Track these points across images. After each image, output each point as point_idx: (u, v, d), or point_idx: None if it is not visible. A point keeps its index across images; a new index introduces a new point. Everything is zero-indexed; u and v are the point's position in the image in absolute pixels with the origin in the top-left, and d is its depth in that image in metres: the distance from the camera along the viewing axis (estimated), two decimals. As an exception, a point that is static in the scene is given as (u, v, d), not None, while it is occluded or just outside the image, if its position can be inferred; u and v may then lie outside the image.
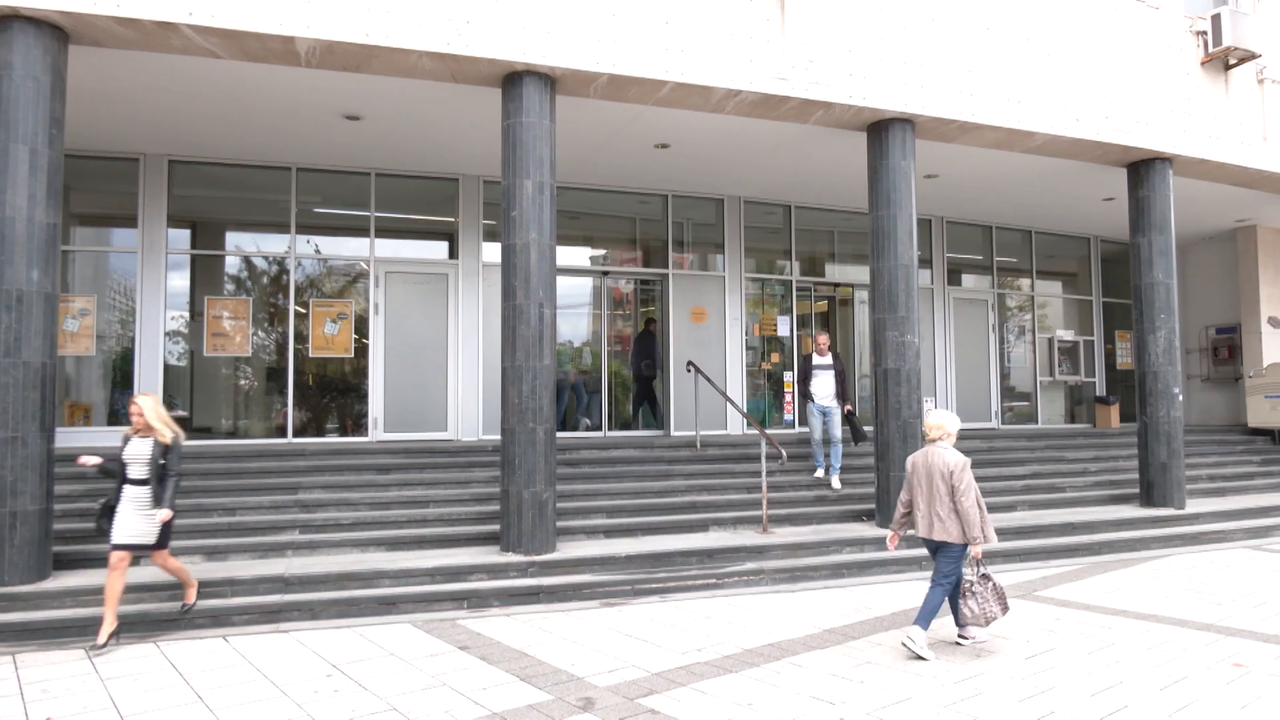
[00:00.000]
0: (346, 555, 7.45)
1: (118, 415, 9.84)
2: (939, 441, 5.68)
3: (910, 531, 5.90)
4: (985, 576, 5.51)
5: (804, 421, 10.84)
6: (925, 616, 5.44)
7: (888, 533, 8.59)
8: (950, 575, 5.51)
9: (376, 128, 9.20)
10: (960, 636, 5.66)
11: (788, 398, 12.63)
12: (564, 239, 10.16)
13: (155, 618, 6.11)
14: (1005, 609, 5.52)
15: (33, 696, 4.74)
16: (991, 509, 9.27)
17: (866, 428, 10.17)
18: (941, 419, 5.73)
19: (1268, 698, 4.63)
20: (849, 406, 10.32)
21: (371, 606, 6.56)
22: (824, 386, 10.15)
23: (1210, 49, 10.61)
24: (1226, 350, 15.33)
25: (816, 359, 10.29)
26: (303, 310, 10.55)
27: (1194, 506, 10.44)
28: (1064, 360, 14.95)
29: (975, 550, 5.44)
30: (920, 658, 5.33)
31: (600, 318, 12.05)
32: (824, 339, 10.43)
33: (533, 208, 7.64)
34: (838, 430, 10.08)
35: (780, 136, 9.61)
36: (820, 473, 10.05)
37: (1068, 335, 15.11)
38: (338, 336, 10.59)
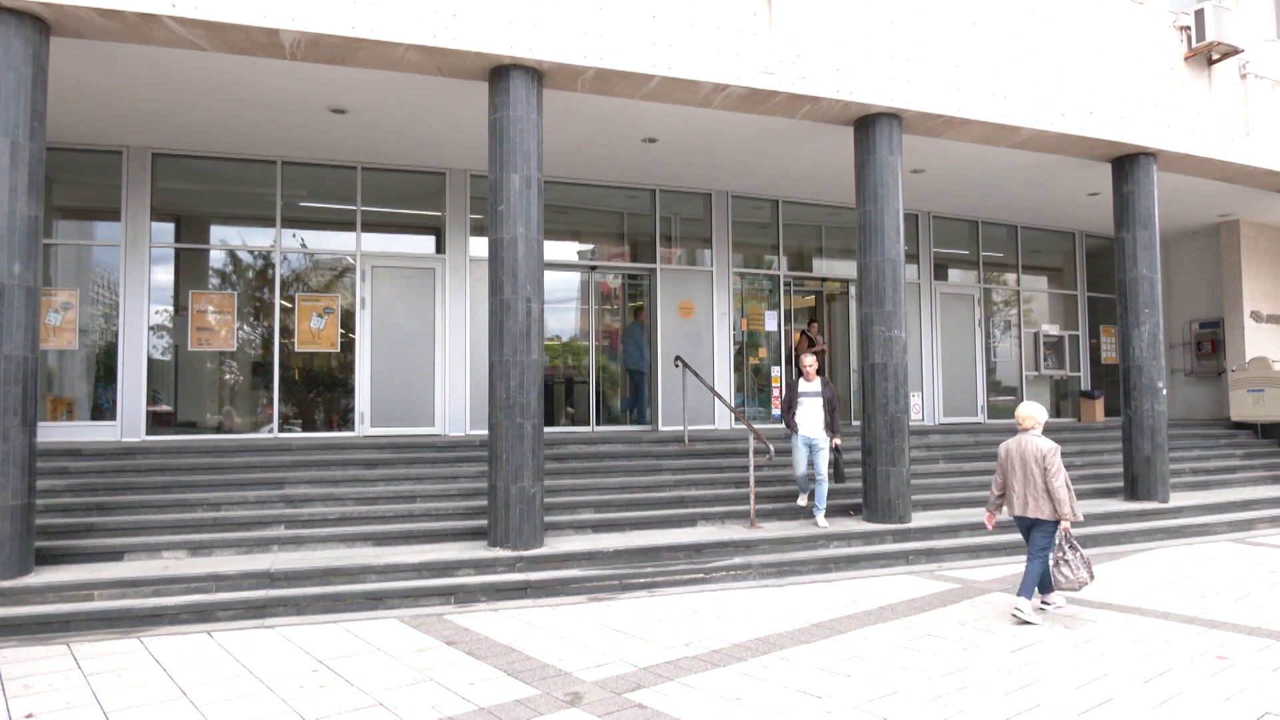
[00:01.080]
0: (333, 550, 7.42)
1: (101, 410, 9.76)
2: (1031, 430, 6.28)
3: (1004, 514, 6.50)
4: (1074, 546, 6.04)
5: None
6: (1028, 587, 6.09)
7: (876, 527, 8.75)
8: (1046, 549, 6.10)
9: (362, 121, 9.15)
10: (1044, 602, 6.28)
11: (775, 392, 12.65)
12: (551, 234, 10.14)
13: (138, 613, 6.07)
14: (1092, 576, 6.02)
15: (14, 692, 4.70)
16: (981, 503, 9.36)
17: (855, 422, 10.12)
18: (1032, 409, 6.36)
19: (1251, 690, 4.67)
20: (837, 440, 9.10)
21: (358, 602, 6.54)
22: (811, 416, 8.90)
23: (1194, 44, 10.67)
24: (1210, 344, 15.44)
25: (803, 385, 9.07)
26: (288, 305, 10.48)
27: (1178, 500, 10.53)
28: (1049, 355, 15.02)
29: (1065, 525, 6.01)
30: (1028, 623, 5.99)
31: (588, 312, 12.03)
32: (811, 362, 9.13)
33: (520, 202, 7.62)
34: (825, 466, 8.89)
35: (768, 131, 9.60)
36: (803, 500, 9.20)
37: (1053, 330, 15.18)
38: (324, 331, 10.54)
